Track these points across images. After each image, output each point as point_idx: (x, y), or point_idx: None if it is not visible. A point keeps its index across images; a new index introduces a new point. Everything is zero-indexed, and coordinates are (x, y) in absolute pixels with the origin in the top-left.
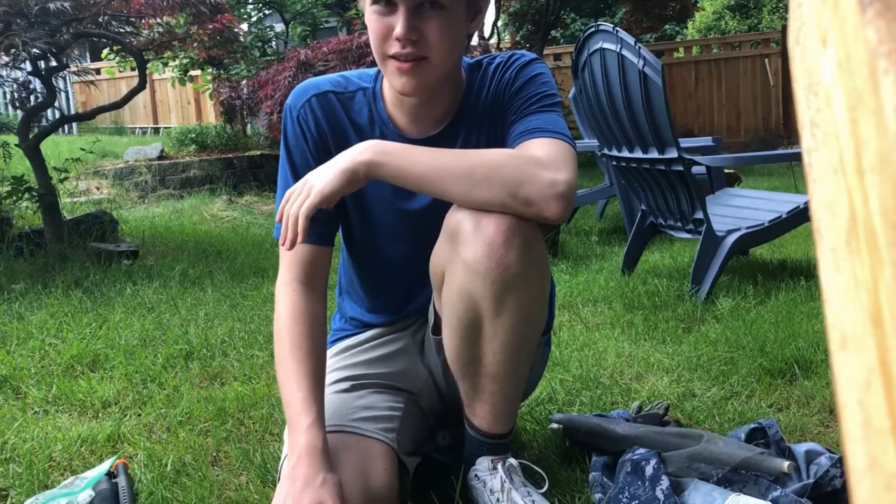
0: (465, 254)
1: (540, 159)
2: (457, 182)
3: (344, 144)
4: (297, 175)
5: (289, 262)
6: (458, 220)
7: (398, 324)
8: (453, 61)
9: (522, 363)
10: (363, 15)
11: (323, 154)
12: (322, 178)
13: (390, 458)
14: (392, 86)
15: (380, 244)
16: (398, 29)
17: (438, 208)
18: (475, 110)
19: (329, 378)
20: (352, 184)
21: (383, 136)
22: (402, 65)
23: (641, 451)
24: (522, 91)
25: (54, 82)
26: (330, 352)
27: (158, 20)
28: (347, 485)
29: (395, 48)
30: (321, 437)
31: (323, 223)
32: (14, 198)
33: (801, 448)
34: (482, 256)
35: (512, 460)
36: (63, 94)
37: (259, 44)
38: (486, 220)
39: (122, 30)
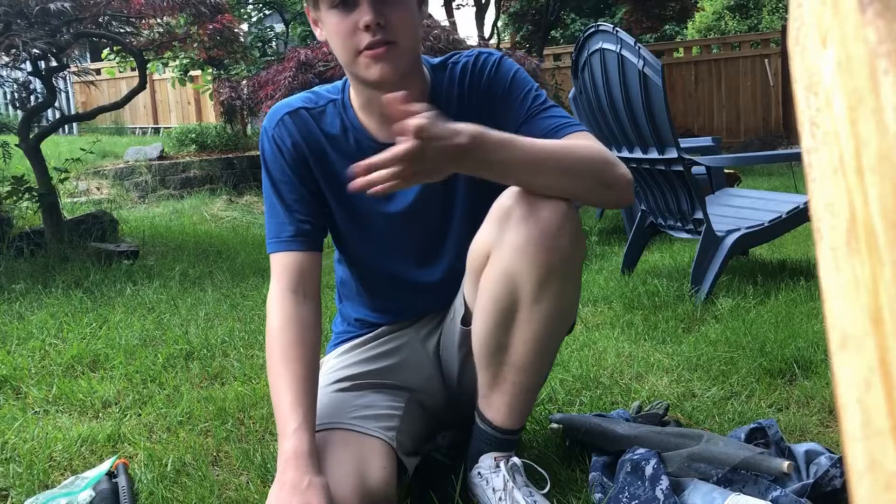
0: (515, 236)
1: (602, 154)
2: (561, 164)
3: (320, 157)
4: (278, 191)
5: (279, 273)
6: (509, 205)
7: (405, 321)
8: (418, 46)
9: (547, 358)
10: (320, 30)
11: (301, 168)
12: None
13: (389, 456)
14: (367, 79)
15: (374, 250)
16: (366, 17)
17: (418, 210)
18: (446, 111)
19: (331, 378)
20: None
21: (357, 144)
22: (376, 50)
23: (641, 451)
24: (515, 90)
25: (54, 82)
26: (333, 353)
27: (158, 20)
28: (344, 482)
29: (365, 39)
30: (307, 441)
31: (311, 230)
32: (14, 198)
33: (801, 448)
34: (535, 238)
35: (515, 459)
36: (63, 95)
37: (259, 44)
38: (541, 205)
39: (122, 30)
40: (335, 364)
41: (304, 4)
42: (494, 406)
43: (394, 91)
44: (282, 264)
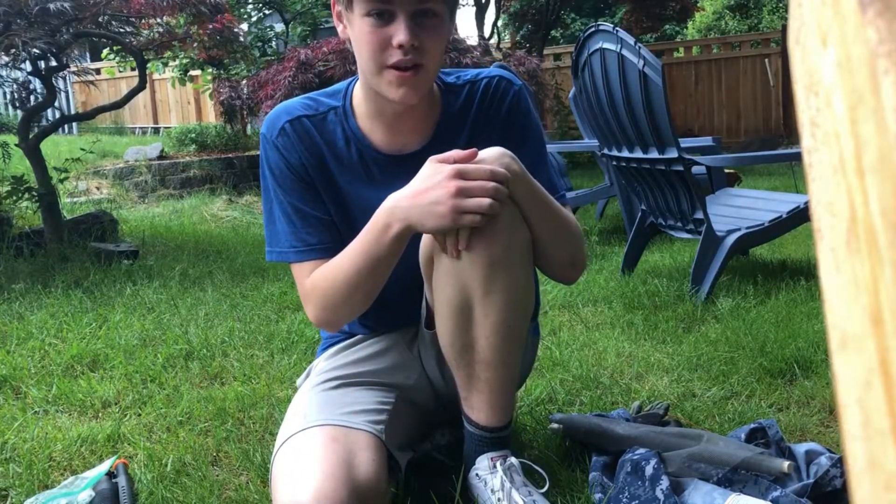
0: (452, 240)
1: (581, 234)
2: (559, 226)
3: (321, 167)
4: (290, 199)
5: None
6: None
7: (392, 331)
8: (440, 68)
9: (514, 347)
10: (343, 26)
11: (307, 177)
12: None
13: (377, 449)
14: (388, 96)
15: None
16: (401, 37)
17: None
18: (456, 130)
19: (320, 378)
20: None
21: (360, 154)
22: (404, 73)
23: (641, 451)
24: (531, 132)
25: (54, 82)
26: (323, 357)
27: (158, 20)
28: (332, 475)
29: (395, 57)
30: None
31: (329, 236)
32: (14, 198)
33: (801, 448)
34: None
35: (512, 459)
36: (63, 94)
37: (259, 44)
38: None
39: (122, 30)
40: (324, 366)
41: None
42: (476, 406)
43: (404, 110)
44: (304, 274)
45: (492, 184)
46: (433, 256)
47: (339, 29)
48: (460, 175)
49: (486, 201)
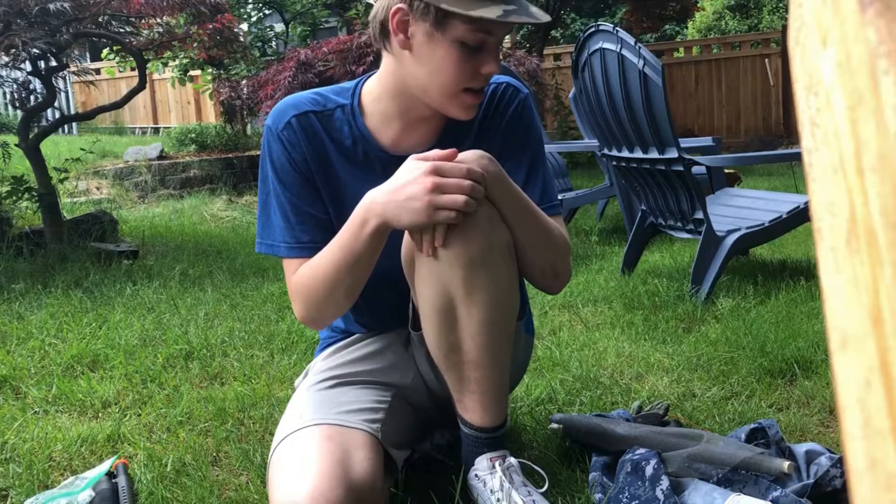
0: (429, 235)
1: (567, 246)
2: (539, 232)
3: (323, 164)
4: (289, 193)
5: (292, 280)
6: None
7: (389, 330)
8: None
9: (502, 346)
10: (406, 37)
11: (308, 172)
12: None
13: (373, 447)
14: (452, 114)
15: None
16: (492, 66)
17: None
18: (462, 134)
19: (315, 378)
20: None
21: (366, 154)
22: (479, 96)
23: (641, 451)
24: (531, 142)
25: (54, 82)
26: (320, 357)
27: (158, 20)
28: (328, 474)
29: (479, 83)
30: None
31: (321, 236)
32: (14, 198)
33: (801, 448)
34: (448, 234)
35: (511, 459)
36: (63, 94)
37: (259, 44)
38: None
39: (122, 30)
40: (321, 366)
41: (400, 6)
42: (469, 407)
43: (433, 114)
44: (294, 271)
45: (468, 181)
46: (414, 258)
47: (399, 38)
48: (437, 172)
49: (462, 198)
